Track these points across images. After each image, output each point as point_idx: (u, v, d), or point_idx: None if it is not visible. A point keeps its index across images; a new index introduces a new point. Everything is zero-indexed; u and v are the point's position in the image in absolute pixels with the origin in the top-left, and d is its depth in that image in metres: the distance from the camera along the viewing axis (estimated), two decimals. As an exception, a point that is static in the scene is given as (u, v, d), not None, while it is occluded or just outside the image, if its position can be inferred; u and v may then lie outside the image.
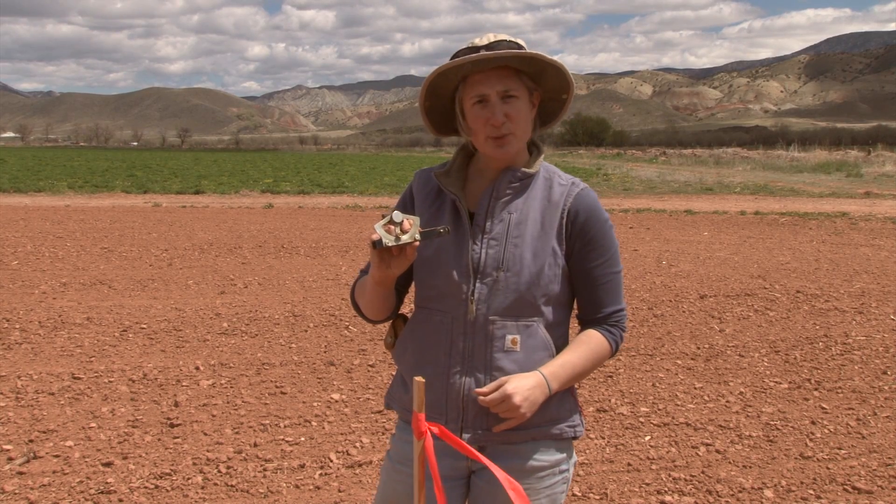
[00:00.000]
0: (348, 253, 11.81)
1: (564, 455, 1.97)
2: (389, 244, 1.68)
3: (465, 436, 1.89)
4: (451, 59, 1.83)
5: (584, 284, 1.91)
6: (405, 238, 1.69)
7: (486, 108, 1.84)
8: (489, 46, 1.81)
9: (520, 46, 1.84)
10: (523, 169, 1.91)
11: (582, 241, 1.88)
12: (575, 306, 1.99)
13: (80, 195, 22.71)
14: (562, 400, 1.93)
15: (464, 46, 1.86)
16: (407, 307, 2.05)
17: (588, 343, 1.90)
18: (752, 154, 57.18)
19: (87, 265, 10.38)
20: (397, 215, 1.69)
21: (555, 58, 1.84)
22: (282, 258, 11.28)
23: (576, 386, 1.99)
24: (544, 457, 1.92)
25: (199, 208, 19.14)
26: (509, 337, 1.85)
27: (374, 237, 1.70)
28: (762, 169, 41.31)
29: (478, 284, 1.85)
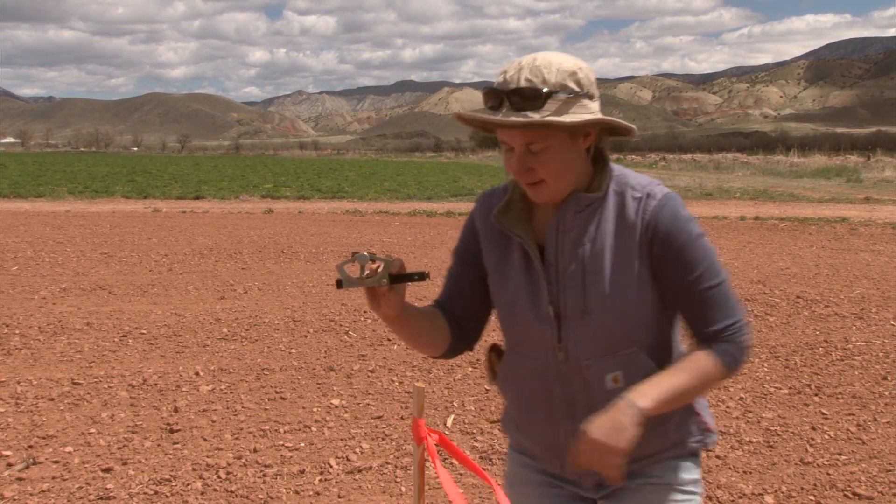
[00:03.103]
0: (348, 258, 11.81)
1: (693, 476, 1.83)
2: (347, 287, 1.60)
3: (586, 480, 1.80)
4: (483, 93, 1.66)
5: (684, 304, 1.71)
6: (369, 282, 1.59)
7: (512, 157, 1.67)
8: (512, 94, 1.59)
9: (543, 95, 1.58)
10: (588, 194, 1.70)
11: (667, 259, 1.67)
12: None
13: (80, 200, 22.73)
14: (681, 422, 1.79)
15: (497, 81, 1.65)
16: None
17: (689, 360, 1.68)
18: (752, 159, 57.26)
19: (87, 270, 10.38)
20: (361, 257, 1.59)
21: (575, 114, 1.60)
22: (282, 263, 11.29)
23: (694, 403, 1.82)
24: (671, 475, 1.80)
25: (199, 213, 19.15)
26: (609, 376, 1.70)
27: (337, 276, 1.62)
28: (762, 174, 41.37)
29: (563, 330, 1.71)
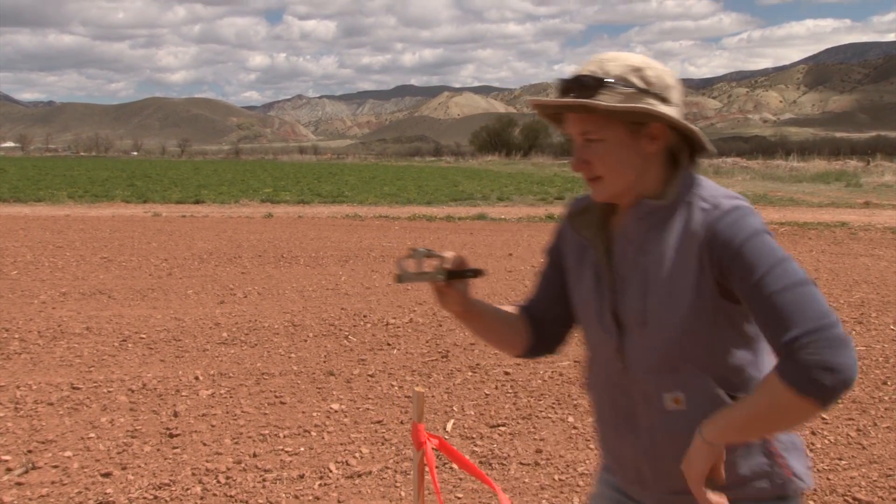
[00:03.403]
0: (348, 262, 11.82)
1: None
2: (405, 281, 1.67)
3: (648, 499, 1.73)
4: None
5: (755, 316, 1.50)
6: (426, 277, 1.65)
7: (574, 148, 1.65)
8: (572, 82, 1.61)
9: (598, 84, 1.58)
10: (651, 201, 1.63)
11: (726, 267, 1.52)
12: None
13: (79, 205, 22.73)
14: (747, 455, 1.62)
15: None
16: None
17: (760, 384, 1.51)
18: (752, 164, 57.22)
19: (86, 275, 10.38)
20: (418, 252, 1.66)
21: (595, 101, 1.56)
22: (281, 268, 11.29)
23: (774, 438, 1.64)
24: None
25: (198, 218, 19.15)
26: (668, 395, 1.62)
27: (397, 271, 1.68)
28: (761, 179, 41.36)
29: (623, 339, 1.66)
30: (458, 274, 1.68)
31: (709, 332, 1.58)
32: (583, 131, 1.61)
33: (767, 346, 1.59)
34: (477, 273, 1.70)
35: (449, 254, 1.68)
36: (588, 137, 1.61)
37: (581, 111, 1.60)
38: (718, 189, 1.63)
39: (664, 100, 1.60)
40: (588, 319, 1.75)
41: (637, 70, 1.59)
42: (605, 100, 1.57)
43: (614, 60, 1.60)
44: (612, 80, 1.57)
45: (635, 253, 1.64)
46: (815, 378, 1.37)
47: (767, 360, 1.64)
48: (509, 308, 1.89)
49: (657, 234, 1.62)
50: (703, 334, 1.58)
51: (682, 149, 1.66)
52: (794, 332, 1.40)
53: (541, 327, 1.88)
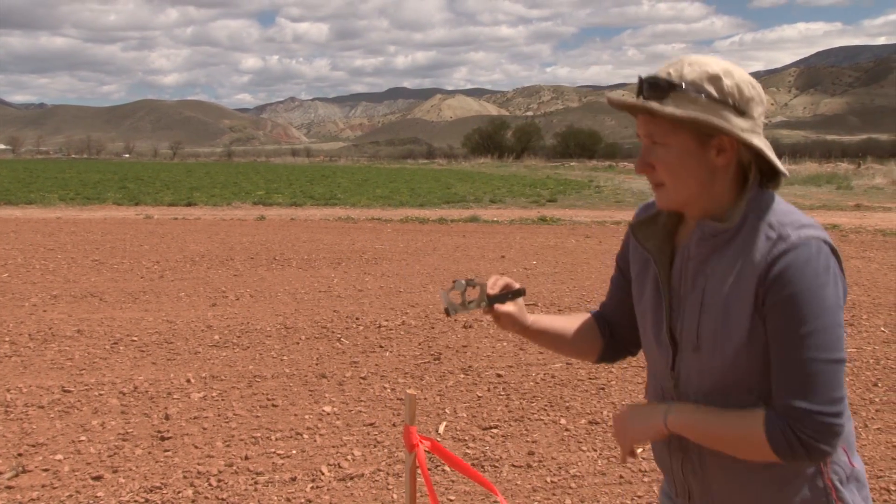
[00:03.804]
0: (340, 265, 11.80)
1: None
2: (453, 313, 1.73)
3: None
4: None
5: (773, 360, 1.50)
6: (471, 306, 1.73)
7: (641, 150, 1.62)
8: (646, 82, 1.55)
9: (667, 87, 1.52)
10: (713, 223, 1.56)
11: (772, 308, 1.47)
12: None
13: (71, 207, 22.64)
14: (799, 484, 1.57)
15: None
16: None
17: (742, 410, 1.53)
18: (744, 166, 57.21)
19: (77, 277, 10.34)
20: (459, 284, 1.73)
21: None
22: (274, 270, 11.27)
23: (824, 468, 1.58)
24: None
25: (190, 220, 19.10)
26: None
27: (443, 305, 1.75)
28: (753, 181, 41.39)
29: (678, 358, 1.64)
30: (500, 298, 1.73)
31: (761, 361, 1.53)
32: (648, 133, 1.56)
33: None
34: (518, 293, 1.75)
35: (491, 280, 1.73)
36: (653, 140, 1.56)
37: (645, 113, 1.55)
38: (791, 214, 1.54)
39: (739, 111, 1.52)
40: (646, 332, 1.74)
41: (714, 78, 1.51)
42: (672, 105, 1.51)
43: (694, 65, 1.53)
44: (685, 86, 1.51)
45: (694, 274, 1.60)
46: (792, 447, 1.46)
47: None
48: (581, 316, 1.91)
49: (718, 257, 1.56)
50: (755, 364, 1.53)
51: (754, 166, 1.57)
52: (801, 403, 1.45)
53: (616, 332, 1.90)
